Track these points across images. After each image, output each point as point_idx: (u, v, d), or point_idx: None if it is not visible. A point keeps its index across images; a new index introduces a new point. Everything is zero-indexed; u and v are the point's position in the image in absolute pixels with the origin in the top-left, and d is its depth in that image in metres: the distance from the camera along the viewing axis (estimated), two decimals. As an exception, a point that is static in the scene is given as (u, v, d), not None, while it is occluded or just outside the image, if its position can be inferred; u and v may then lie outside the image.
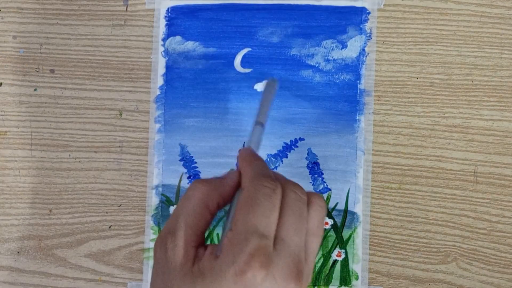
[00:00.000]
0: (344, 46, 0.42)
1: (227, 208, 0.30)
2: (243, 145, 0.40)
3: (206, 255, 0.28)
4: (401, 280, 0.41)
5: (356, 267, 0.41)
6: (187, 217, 0.29)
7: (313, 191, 0.31)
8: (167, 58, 0.42)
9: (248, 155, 0.32)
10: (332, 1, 0.42)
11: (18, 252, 0.42)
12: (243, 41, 0.42)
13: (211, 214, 0.30)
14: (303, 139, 0.42)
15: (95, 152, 0.42)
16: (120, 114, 0.42)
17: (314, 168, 0.41)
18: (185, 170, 0.42)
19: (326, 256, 0.41)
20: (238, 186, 0.30)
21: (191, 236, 0.28)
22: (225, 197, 0.30)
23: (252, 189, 0.28)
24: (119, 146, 0.42)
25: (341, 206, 0.41)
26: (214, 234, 0.42)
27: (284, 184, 0.29)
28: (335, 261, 0.41)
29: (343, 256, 0.41)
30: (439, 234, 0.41)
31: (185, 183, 0.42)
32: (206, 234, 0.31)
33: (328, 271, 0.41)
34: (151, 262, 0.42)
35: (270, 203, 0.28)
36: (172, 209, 0.42)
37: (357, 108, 0.42)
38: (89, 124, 0.43)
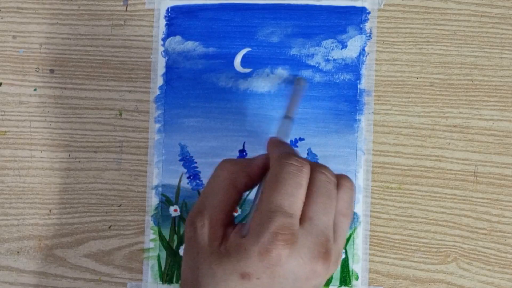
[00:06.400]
0: (344, 46, 0.42)
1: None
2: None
3: (232, 234, 0.28)
4: (401, 280, 0.41)
5: (356, 267, 0.41)
6: (215, 196, 0.29)
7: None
8: (167, 58, 0.42)
9: (276, 140, 0.32)
10: (332, 1, 0.42)
11: (18, 252, 0.42)
12: (243, 41, 0.42)
13: (238, 193, 0.30)
14: (303, 139, 0.42)
15: (95, 152, 0.42)
16: (120, 114, 0.42)
17: (314, 168, 0.41)
18: (185, 170, 0.42)
19: (326, 256, 0.41)
20: (266, 167, 0.30)
21: (218, 215, 0.29)
22: (253, 177, 0.30)
23: (278, 168, 0.28)
24: (119, 146, 0.42)
25: (341, 206, 0.41)
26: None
27: (313, 165, 0.29)
28: (335, 261, 0.41)
29: (343, 256, 0.41)
30: (439, 234, 0.41)
31: (185, 183, 0.42)
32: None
33: (328, 271, 0.41)
34: (151, 262, 0.42)
35: (296, 182, 0.28)
36: (172, 209, 0.42)
37: (357, 108, 0.42)
38: (89, 124, 0.43)
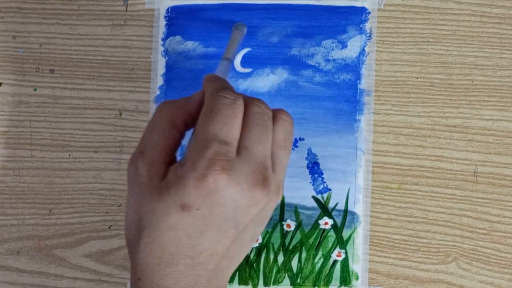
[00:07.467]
0: (344, 46, 0.42)
1: None
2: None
3: (171, 168, 0.28)
4: (401, 280, 0.41)
5: (356, 267, 0.41)
6: (155, 136, 0.30)
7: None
8: (167, 58, 0.42)
9: (212, 76, 0.33)
10: (332, 1, 0.42)
11: (18, 252, 0.42)
12: (243, 41, 0.42)
13: (178, 131, 0.30)
14: (303, 139, 0.42)
15: (95, 152, 0.42)
16: (120, 114, 0.42)
17: (314, 168, 0.41)
18: (185, 170, 0.42)
19: (326, 256, 0.41)
20: (203, 103, 0.30)
21: (159, 154, 0.29)
22: (192, 114, 0.31)
23: (212, 100, 0.29)
24: (119, 146, 0.42)
25: (341, 206, 0.41)
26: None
27: (247, 99, 0.30)
28: (335, 261, 0.41)
29: (343, 256, 0.41)
30: (439, 234, 0.41)
31: (185, 183, 0.42)
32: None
33: (328, 271, 0.41)
34: (151, 262, 0.42)
35: (230, 112, 0.28)
36: (172, 209, 0.42)
37: (357, 108, 0.42)
38: (89, 124, 0.43)
